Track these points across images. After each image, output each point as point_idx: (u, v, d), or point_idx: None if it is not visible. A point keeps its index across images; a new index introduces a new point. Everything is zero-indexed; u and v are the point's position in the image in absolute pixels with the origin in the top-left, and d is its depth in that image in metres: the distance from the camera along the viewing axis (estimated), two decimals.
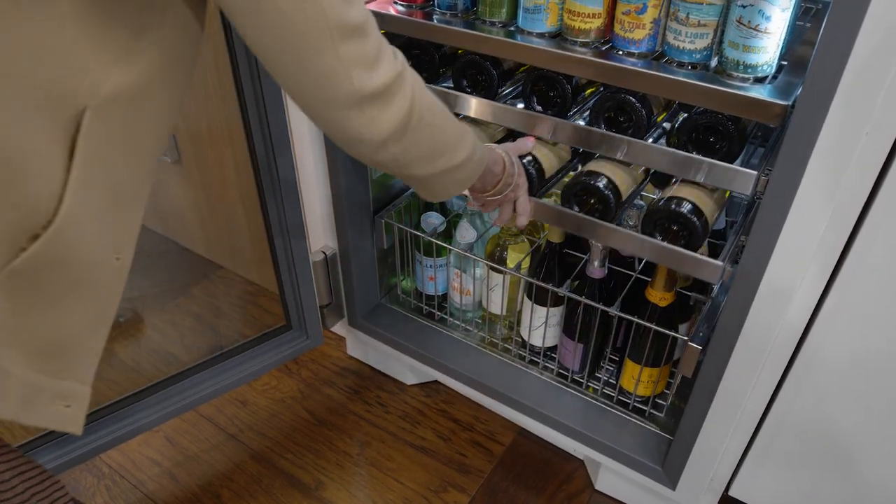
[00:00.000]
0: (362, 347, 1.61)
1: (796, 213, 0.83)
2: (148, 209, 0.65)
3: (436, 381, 1.54)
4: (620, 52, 0.93)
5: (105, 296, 0.63)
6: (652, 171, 1.10)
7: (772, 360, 0.98)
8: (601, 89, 1.12)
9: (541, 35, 0.99)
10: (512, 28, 1.02)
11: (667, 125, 1.06)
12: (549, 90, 1.05)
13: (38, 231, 0.53)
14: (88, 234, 0.56)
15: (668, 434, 1.22)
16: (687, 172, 0.93)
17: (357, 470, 1.38)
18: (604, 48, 0.96)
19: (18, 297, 0.54)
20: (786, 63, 0.91)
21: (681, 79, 0.87)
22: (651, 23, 0.90)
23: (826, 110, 0.74)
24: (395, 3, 1.11)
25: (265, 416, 1.50)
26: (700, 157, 0.91)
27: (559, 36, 0.99)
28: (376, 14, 1.10)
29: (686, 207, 0.95)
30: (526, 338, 1.34)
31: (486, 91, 1.11)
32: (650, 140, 1.01)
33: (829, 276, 0.88)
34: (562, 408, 1.28)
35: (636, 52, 0.92)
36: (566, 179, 1.07)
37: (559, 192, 1.07)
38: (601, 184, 1.01)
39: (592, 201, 1.03)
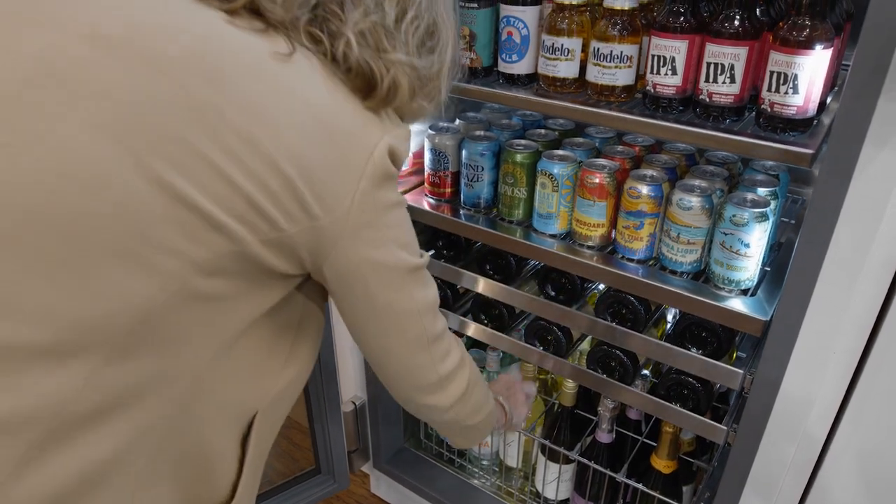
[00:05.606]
0: (385, 487, 1.69)
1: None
2: None
3: None
4: (621, 257, 1.07)
5: None
6: None
7: None
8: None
9: (552, 236, 1.13)
10: (527, 226, 1.17)
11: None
12: (560, 278, 1.20)
13: None
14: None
15: None
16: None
17: None
18: (607, 251, 1.10)
19: None
20: (769, 269, 1.04)
21: (674, 289, 1.00)
22: (648, 236, 1.04)
23: (796, 335, 0.86)
24: (426, 195, 1.27)
25: None
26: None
27: (568, 237, 1.13)
28: (410, 208, 1.26)
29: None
30: (540, 490, 1.42)
31: (506, 276, 1.26)
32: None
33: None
34: None
35: (635, 258, 1.06)
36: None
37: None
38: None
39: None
